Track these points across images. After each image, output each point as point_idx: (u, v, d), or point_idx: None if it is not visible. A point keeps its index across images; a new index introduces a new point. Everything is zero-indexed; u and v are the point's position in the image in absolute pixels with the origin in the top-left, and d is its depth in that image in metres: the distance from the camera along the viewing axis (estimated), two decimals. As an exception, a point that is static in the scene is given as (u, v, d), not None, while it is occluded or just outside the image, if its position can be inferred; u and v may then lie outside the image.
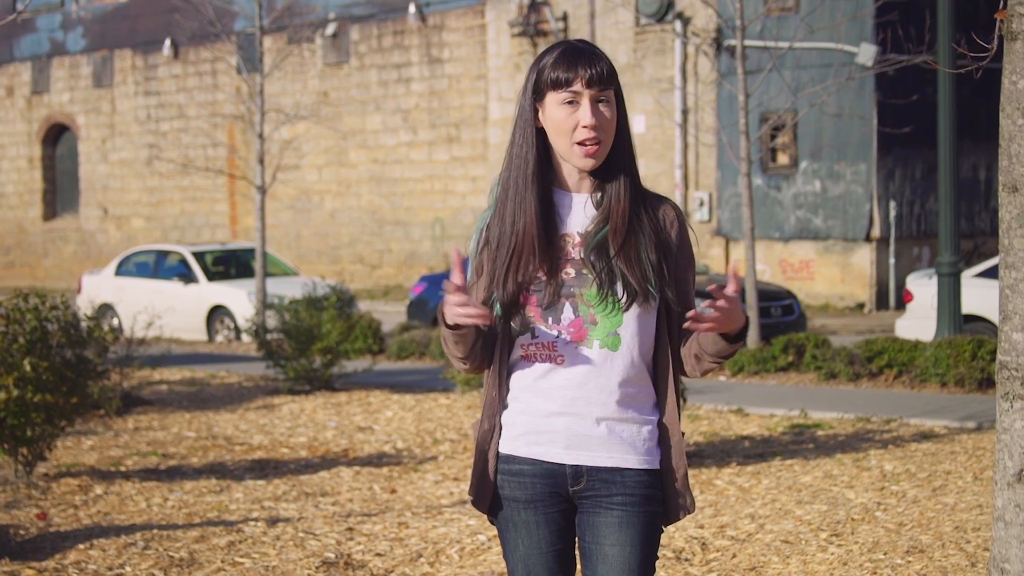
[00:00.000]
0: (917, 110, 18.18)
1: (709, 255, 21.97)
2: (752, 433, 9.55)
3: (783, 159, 21.41)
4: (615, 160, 3.08)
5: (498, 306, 3.07)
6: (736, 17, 13.39)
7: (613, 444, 3.06)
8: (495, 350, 3.13)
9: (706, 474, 8.02)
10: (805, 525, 6.63)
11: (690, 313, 2.95)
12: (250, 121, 18.23)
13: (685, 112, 22.14)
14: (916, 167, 20.79)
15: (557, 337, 3.04)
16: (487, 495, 3.13)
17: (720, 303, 2.92)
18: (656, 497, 3.10)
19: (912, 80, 17.96)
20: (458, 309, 2.92)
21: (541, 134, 3.08)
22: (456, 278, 2.92)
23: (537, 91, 3.07)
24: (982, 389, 11.07)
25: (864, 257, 20.64)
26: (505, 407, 3.13)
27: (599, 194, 3.08)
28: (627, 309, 3.03)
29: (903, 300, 15.51)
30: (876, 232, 20.44)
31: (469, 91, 25.46)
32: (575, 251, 3.06)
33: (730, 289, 2.94)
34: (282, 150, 21.20)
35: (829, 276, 21.00)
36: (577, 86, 3.01)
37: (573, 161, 3.06)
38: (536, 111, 3.08)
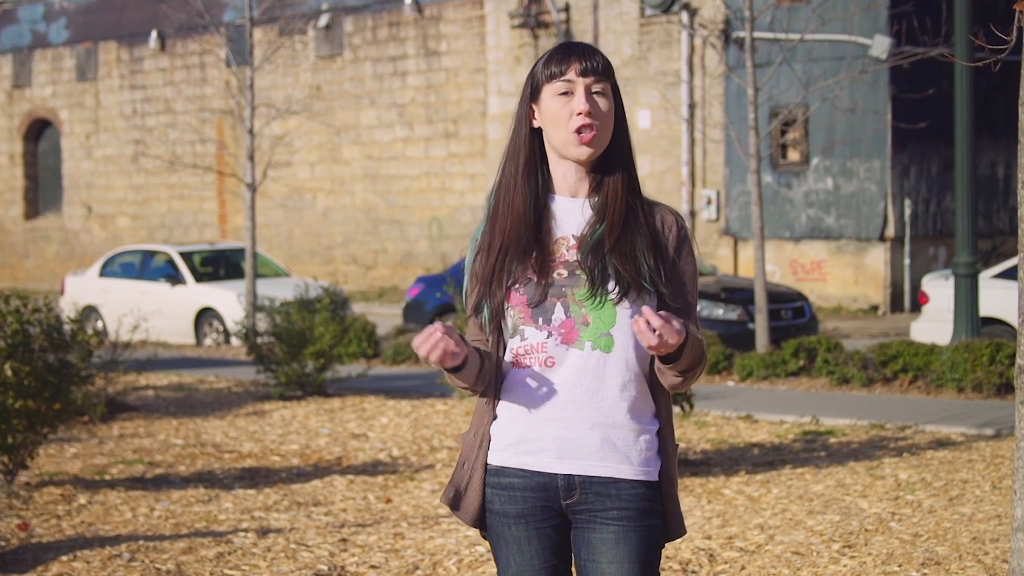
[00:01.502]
0: (933, 105, 18.19)
1: (717, 255, 21.98)
2: (762, 440, 9.56)
3: (794, 156, 21.42)
4: (613, 158, 3.11)
5: (486, 310, 3.08)
6: (745, 8, 13.39)
7: (607, 453, 3.05)
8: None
9: (714, 483, 8.02)
10: (817, 536, 6.64)
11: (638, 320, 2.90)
12: (240, 116, 18.24)
13: (692, 107, 22.14)
14: (932, 164, 20.80)
15: (547, 338, 3.05)
16: (472, 507, 3.13)
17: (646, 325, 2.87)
18: (654, 511, 3.09)
19: (928, 73, 17.97)
20: (430, 354, 2.94)
21: (536, 136, 3.13)
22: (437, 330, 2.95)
23: (534, 89, 3.13)
24: (1001, 395, 11.08)
25: (878, 257, 20.64)
26: (495, 417, 3.13)
27: (595, 197, 3.11)
28: (619, 302, 3.03)
29: (918, 302, 15.53)
30: (890, 231, 20.44)
31: (467, 85, 25.48)
32: (570, 253, 3.08)
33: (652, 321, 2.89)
34: (273, 146, 21.20)
35: (841, 277, 21.01)
36: (571, 75, 3.07)
37: (570, 152, 3.09)
38: (532, 111, 3.14)
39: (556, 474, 3.06)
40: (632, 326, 2.90)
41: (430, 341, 2.93)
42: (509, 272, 3.06)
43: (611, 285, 3.03)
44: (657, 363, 3.05)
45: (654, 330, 2.85)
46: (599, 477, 3.05)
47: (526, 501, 3.08)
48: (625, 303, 3.04)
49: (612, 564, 3.04)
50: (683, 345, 2.94)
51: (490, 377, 3.10)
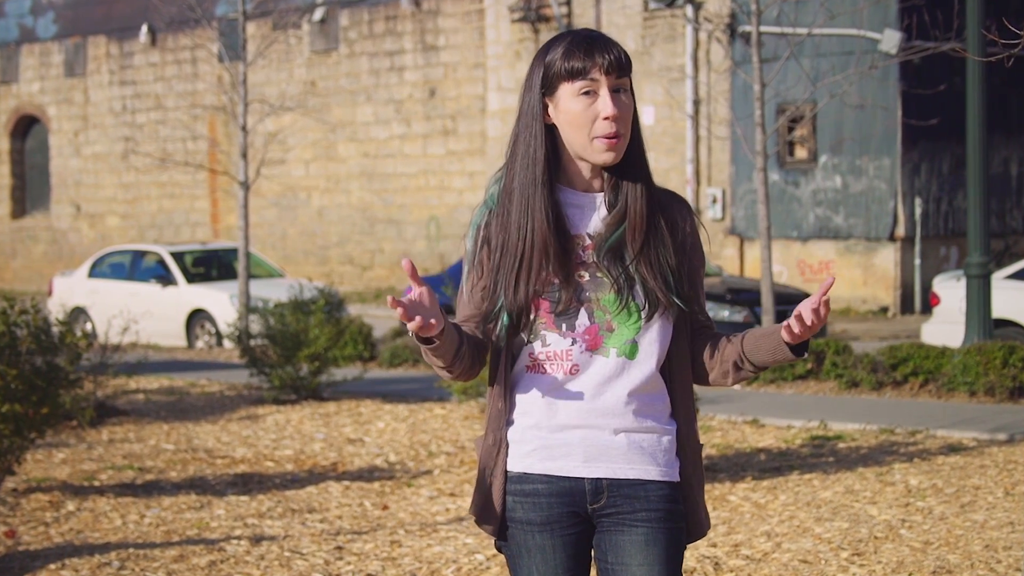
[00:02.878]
0: (944, 101, 18.19)
1: (722, 255, 21.98)
2: (768, 445, 9.56)
3: (801, 153, 21.43)
4: (629, 156, 3.06)
5: (505, 315, 3.05)
6: (751, 1, 13.39)
7: (634, 455, 3.06)
8: (485, 355, 3.11)
9: (719, 489, 8.02)
10: (825, 544, 6.64)
11: (795, 314, 2.94)
12: (232, 113, 18.24)
13: (697, 103, 22.15)
14: (943, 161, 20.80)
15: (572, 344, 3.03)
16: (495, 518, 3.11)
17: (821, 312, 2.92)
18: (679, 512, 3.10)
19: (939, 69, 17.96)
20: (409, 323, 2.87)
21: (550, 131, 3.07)
22: (414, 292, 2.90)
23: (547, 85, 3.04)
24: (1014, 398, 11.08)
25: (888, 258, 20.65)
26: (511, 423, 3.11)
27: (613, 193, 3.07)
28: (649, 318, 3.03)
29: (929, 303, 15.53)
30: (901, 231, 20.45)
31: (466, 80, 25.48)
32: (586, 254, 3.05)
33: (819, 299, 2.93)
34: (267, 143, 21.19)
35: (850, 278, 21.01)
36: (595, 74, 2.99)
37: (593, 157, 3.03)
38: (545, 107, 3.06)
39: (583, 478, 3.06)
40: (802, 319, 2.92)
41: (411, 309, 2.88)
42: (532, 278, 3.03)
43: (639, 296, 3.02)
44: (737, 357, 3.08)
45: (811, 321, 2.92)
46: (627, 479, 3.06)
47: (551, 507, 3.07)
48: (653, 316, 3.05)
49: (643, 567, 3.04)
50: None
51: (466, 363, 3.05)
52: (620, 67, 3.00)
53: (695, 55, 22.29)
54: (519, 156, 3.07)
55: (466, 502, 7.83)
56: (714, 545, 6.65)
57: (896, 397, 11.59)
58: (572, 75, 3.00)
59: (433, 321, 2.89)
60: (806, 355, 3.03)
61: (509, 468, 3.09)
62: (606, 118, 2.99)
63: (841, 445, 9.47)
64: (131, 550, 6.74)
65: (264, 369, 12.12)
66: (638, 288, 3.02)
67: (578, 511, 3.08)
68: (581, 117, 3.00)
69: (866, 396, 11.71)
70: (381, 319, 21.05)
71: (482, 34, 25.14)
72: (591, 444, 3.05)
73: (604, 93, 2.99)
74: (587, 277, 3.04)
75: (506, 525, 3.11)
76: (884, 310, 20.66)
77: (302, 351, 11.91)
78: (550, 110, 3.05)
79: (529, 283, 3.03)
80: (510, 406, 3.10)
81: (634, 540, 3.05)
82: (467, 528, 7.09)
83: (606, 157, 3.02)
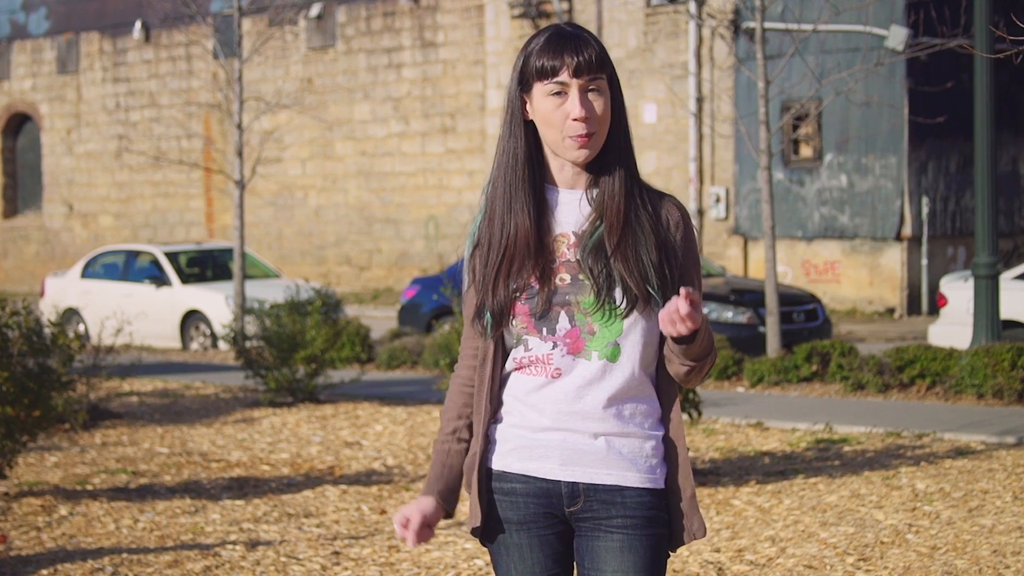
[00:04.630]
0: (952, 98, 18.20)
1: (726, 255, 21.99)
2: (773, 449, 9.56)
3: (806, 152, 21.44)
4: (610, 152, 3.08)
5: (488, 316, 3.07)
6: (755, -3, 13.39)
7: (612, 460, 3.06)
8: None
9: (723, 493, 8.03)
10: (830, 549, 6.64)
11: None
12: (228, 110, 18.26)
13: (700, 100, 22.16)
14: (951, 160, 20.81)
15: (552, 348, 3.05)
16: (479, 515, 3.14)
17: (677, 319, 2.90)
18: (660, 519, 3.11)
19: (946, 66, 17.97)
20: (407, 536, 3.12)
21: (531, 127, 3.09)
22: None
23: (524, 81, 3.07)
24: (1022, 401, 11.08)
25: (894, 258, 20.66)
26: (497, 421, 3.13)
27: (594, 190, 3.09)
28: (627, 316, 3.03)
29: (936, 304, 15.52)
30: (907, 231, 20.45)
31: (465, 78, 25.49)
32: (570, 252, 3.06)
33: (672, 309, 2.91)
34: (263, 142, 21.21)
35: (856, 278, 21.02)
36: (563, 76, 3.01)
37: (565, 154, 3.06)
38: (524, 102, 3.09)
39: (559, 481, 3.07)
40: (661, 314, 2.90)
41: (404, 536, 3.14)
42: (513, 275, 3.05)
43: (618, 294, 3.02)
44: (667, 349, 3.04)
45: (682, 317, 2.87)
46: (604, 485, 3.06)
47: (528, 507, 3.09)
48: (634, 313, 3.04)
49: (617, 573, 3.05)
50: (697, 329, 2.94)
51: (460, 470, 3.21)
52: (591, 68, 3.02)
53: (698, 52, 22.29)
54: (502, 151, 3.12)
55: (464, 506, 7.84)
56: (717, 550, 6.65)
57: (903, 399, 11.60)
58: (542, 75, 3.03)
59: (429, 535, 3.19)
60: (690, 345, 2.96)
61: (490, 465, 3.12)
62: (575, 119, 3.01)
63: (847, 448, 9.47)
64: (125, 555, 6.75)
65: (260, 371, 12.13)
66: (617, 287, 3.03)
67: (555, 512, 3.10)
68: (552, 116, 3.03)
69: (872, 398, 11.71)
70: (379, 320, 21.06)
71: (481, 30, 25.15)
72: (569, 448, 3.06)
73: (574, 94, 3.02)
74: (568, 280, 3.05)
75: (489, 522, 3.13)
76: (890, 311, 20.67)
77: (299, 353, 11.91)
78: (528, 106, 3.09)
79: (509, 280, 3.05)
80: (496, 404, 3.13)
81: (609, 546, 3.06)
82: (466, 533, 7.10)
83: (577, 155, 3.05)
